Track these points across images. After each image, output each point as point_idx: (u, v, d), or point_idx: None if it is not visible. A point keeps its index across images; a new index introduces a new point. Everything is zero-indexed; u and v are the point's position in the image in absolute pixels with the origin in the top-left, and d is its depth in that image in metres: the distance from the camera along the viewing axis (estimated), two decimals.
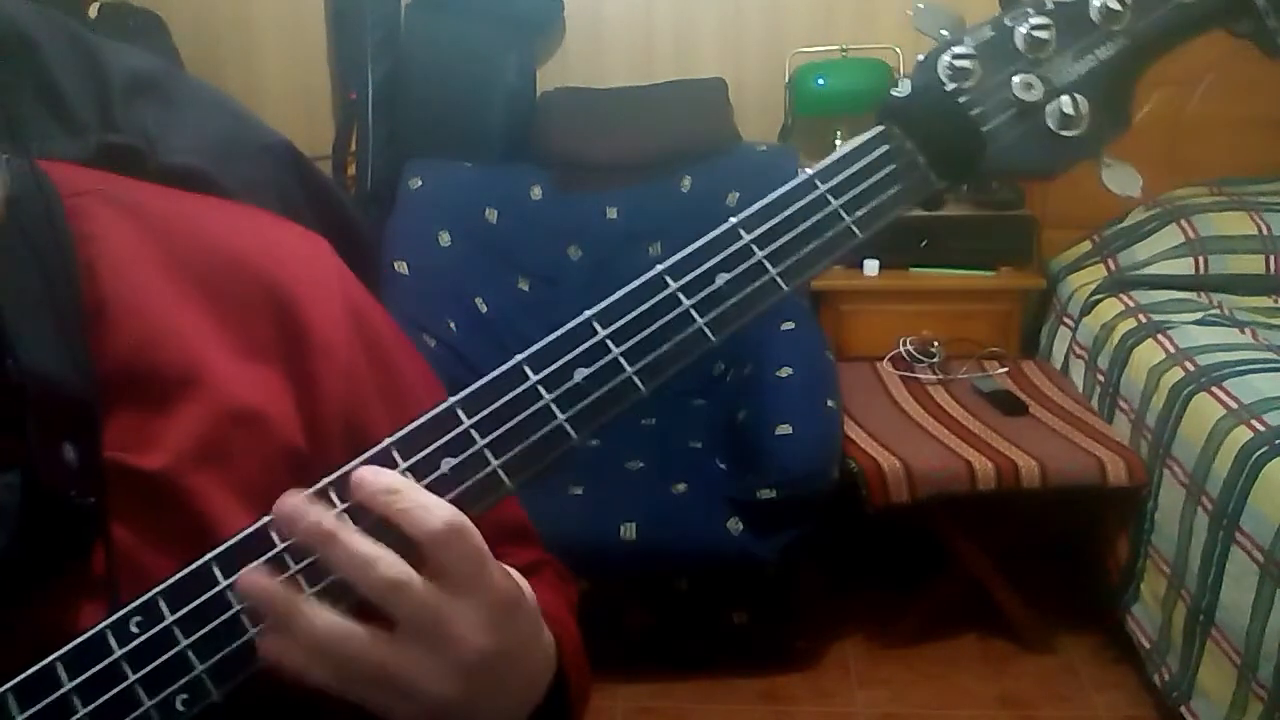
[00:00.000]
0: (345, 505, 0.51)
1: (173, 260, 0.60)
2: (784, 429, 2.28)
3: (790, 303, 2.70)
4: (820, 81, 2.91)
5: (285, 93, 3.15)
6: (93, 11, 2.77)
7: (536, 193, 2.94)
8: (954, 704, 2.35)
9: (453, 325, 2.69)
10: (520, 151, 2.99)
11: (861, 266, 2.89)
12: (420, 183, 2.87)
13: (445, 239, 2.83)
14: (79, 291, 0.56)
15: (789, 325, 2.63)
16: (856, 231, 0.57)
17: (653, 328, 0.55)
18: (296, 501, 0.50)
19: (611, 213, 2.91)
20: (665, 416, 2.62)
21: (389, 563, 0.49)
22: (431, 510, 0.50)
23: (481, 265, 2.83)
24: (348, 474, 0.52)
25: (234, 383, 0.59)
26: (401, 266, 2.73)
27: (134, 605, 0.50)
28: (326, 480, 0.52)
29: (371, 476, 0.51)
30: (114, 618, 0.50)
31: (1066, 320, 2.86)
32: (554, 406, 0.53)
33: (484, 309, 2.79)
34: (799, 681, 2.41)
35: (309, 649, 0.49)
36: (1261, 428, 2.01)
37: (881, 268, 2.88)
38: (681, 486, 2.33)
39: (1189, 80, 2.91)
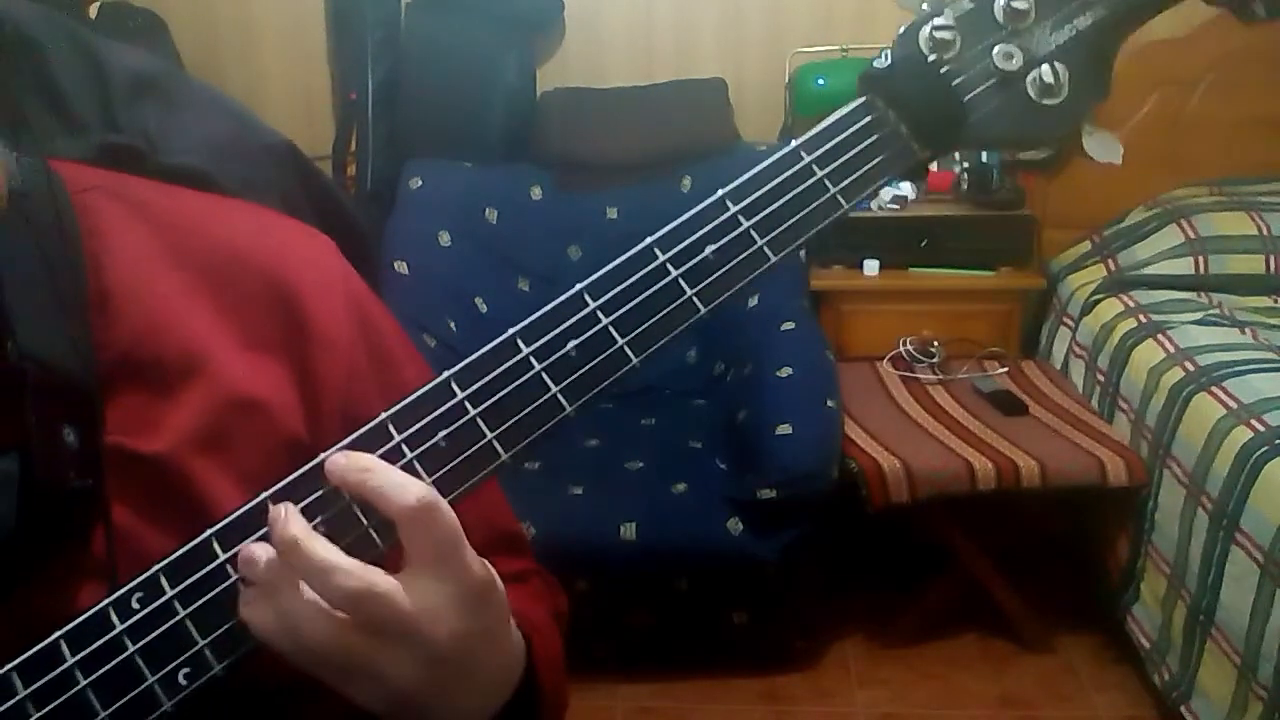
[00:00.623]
0: (323, 490, 0.52)
1: (177, 255, 0.61)
2: (784, 429, 2.28)
3: (790, 303, 2.72)
4: (820, 81, 2.92)
5: (285, 93, 3.15)
6: (93, 11, 2.77)
7: (536, 193, 2.94)
8: (954, 704, 2.35)
9: (453, 325, 2.69)
10: (520, 151, 2.99)
11: (861, 266, 2.89)
12: (420, 183, 2.87)
13: (445, 239, 2.83)
14: (84, 282, 0.57)
15: (789, 325, 2.64)
16: (842, 201, 0.58)
17: (642, 298, 0.55)
18: (276, 508, 0.51)
19: (611, 213, 2.91)
20: (665, 416, 2.62)
21: (346, 572, 0.50)
22: (404, 488, 0.51)
23: (481, 265, 2.83)
24: (340, 450, 0.53)
25: (236, 372, 0.60)
26: (401, 266, 2.73)
27: (136, 582, 0.51)
28: (323, 456, 0.53)
29: (344, 460, 0.52)
30: (116, 595, 0.51)
31: (1066, 320, 2.86)
32: (546, 377, 0.54)
33: (484, 309, 2.79)
34: (799, 681, 2.41)
35: (284, 623, 0.50)
36: (1261, 428, 2.01)
37: (881, 268, 2.89)
38: (681, 486, 2.33)
39: (1189, 80, 2.91)
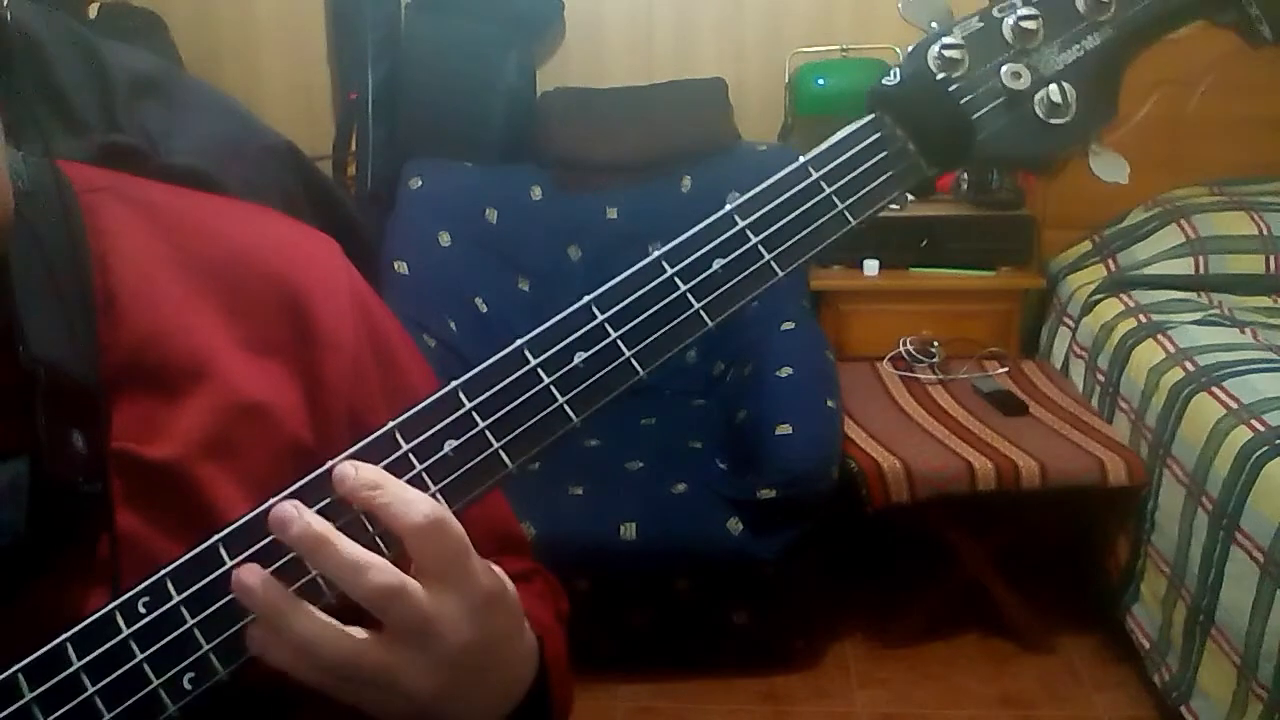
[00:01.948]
0: (331, 497, 0.52)
1: (183, 257, 0.61)
2: (784, 429, 2.28)
3: (790, 303, 2.72)
4: (820, 81, 2.92)
5: (285, 93, 3.15)
6: (93, 11, 2.77)
7: (536, 193, 2.94)
8: (954, 704, 2.35)
9: (453, 325, 2.69)
10: (520, 151, 2.99)
11: (861, 266, 2.89)
12: (420, 183, 2.87)
13: (445, 239, 2.83)
14: (90, 284, 0.57)
15: (789, 325, 2.63)
16: (849, 218, 0.58)
17: (650, 312, 0.55)
18: (288, 506, 0.51)
19: (611, 213, 2.91)
20: (665, 416, 2.62)
21: (380, 569, 0.50)
22: (412, 504, 0.51)
23: (481, 265, 2.83)
24: (347, 459, 0.53)
25: (242, 376, 0.60)
26: (401, 266, 2.73)
27: (142, 586, 0.51)
28: (332, 463, 0.53)
29: (353, 471, 0.52)
30: (123, 598, 0.51)
31: (1066, 320, 2.86)
32: (554, 389, 0.54)
33: (484, 309, 2.79)
34: (799, 681, 2.41)
35: (295, 648, 0.50)
36: (1261, 428, 2.01)
37: (881, 268, 2.88)
38: (681, 486, 2.33)
39: (1189, 80, 2.91)
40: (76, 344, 0.54)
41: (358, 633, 0.50)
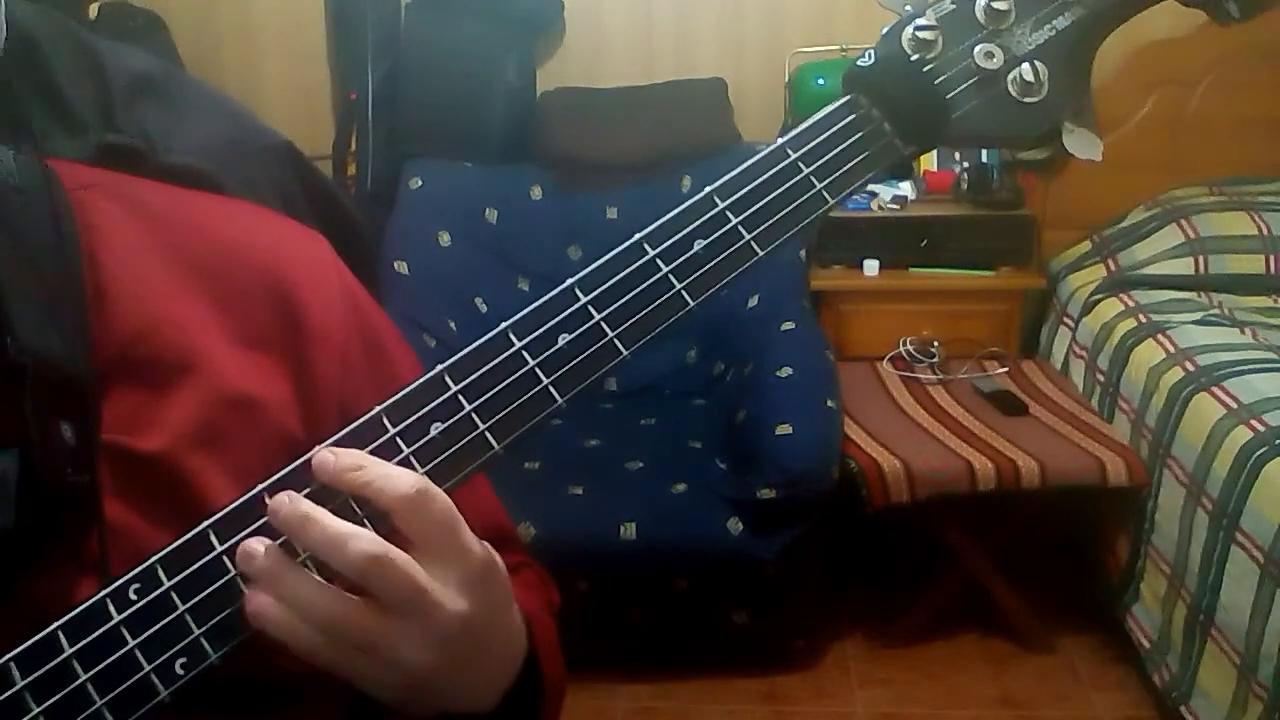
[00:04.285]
0: (314, 487, 0.52)
1: (173, 251, 0.61)
2: (784, 429, 2.28)
3: (790, 303, 2.72)
4: (820, 81, 2.91)
5: (285, 93, 3.15)
6: (93, 11, 2.77)
7: (536, 193, 2.94)
8: (954, 704, 2.35)
9: (453, 325, 2.69)
10: (520, 151, 2.99)
11: (861, 266, 2.89)
12: (420, 183, 2.87)
13: (445, 239, 2.83)
14: (80, 279, 0.57)
15: (789, 325, 2.64)
16: (827, 197, 0.59)
17: (632, 293, 0.56)
18: (279, 495, 0.52)
19: (611, 213, 2.91)
20: (665, 416, 2.62)
21: (365, 539, 0.50)
22: (397, 478, 0.51)
23: (481, 265, 2.83)
24: (326, 447, 0.53)
25: (231, 369, 0.60)
26: (401, 266, 2.73)
27: (133, 573, 0.51)
28: (318, 449, 0.53)
29: (333, 458, 0.52)
30: (113, 586, 0.51)
31: (1066, 320, 2.86)
32: (539, 370, 0.55)
33: (484, 309, 2.80)
34: (799, 681, 2.41)
35: (293, 609, 0.50)
36: (1261, 428, 2.01)
37: (881, 268, 2.88)
38: (681, 486, 2.33)
39: (1189, 80, 2.91)
40: (66, 337, 0.55)
41: (354, 597, 0.50)
